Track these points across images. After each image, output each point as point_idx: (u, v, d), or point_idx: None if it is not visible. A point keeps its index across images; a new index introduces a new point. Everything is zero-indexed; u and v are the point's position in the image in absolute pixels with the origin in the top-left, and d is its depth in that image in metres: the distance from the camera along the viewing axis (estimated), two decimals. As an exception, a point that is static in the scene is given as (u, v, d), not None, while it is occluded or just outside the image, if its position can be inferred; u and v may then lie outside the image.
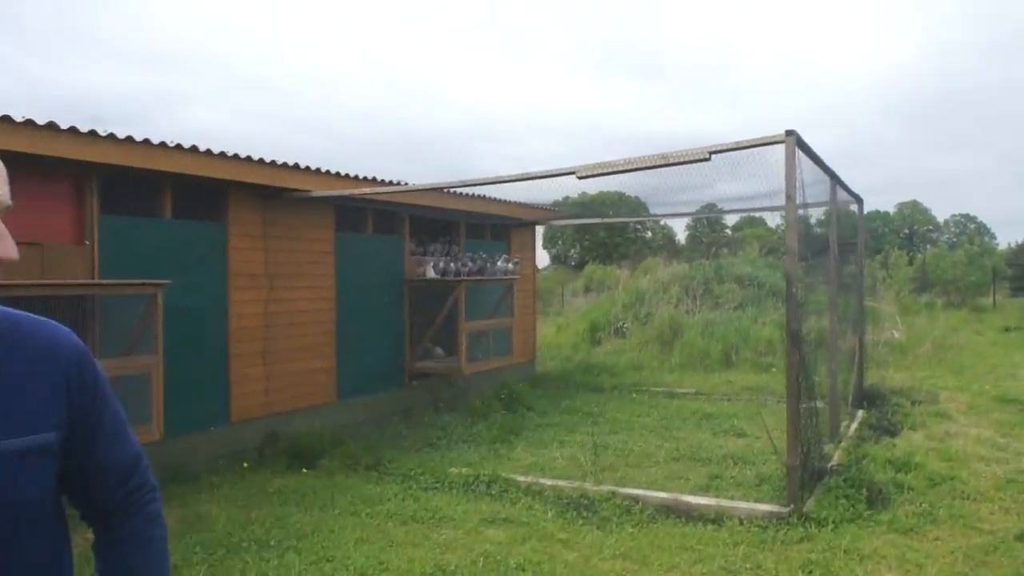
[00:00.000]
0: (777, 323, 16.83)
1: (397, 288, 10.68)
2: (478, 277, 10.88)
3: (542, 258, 63.99)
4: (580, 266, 53.26)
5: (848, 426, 9.36)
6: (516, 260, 11.73)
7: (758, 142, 5.89)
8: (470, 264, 10.70)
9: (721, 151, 6.07)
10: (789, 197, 5.81)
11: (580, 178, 6.70)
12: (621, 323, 18.07)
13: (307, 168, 8.72)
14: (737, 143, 5.98)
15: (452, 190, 10.88)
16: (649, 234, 66.08)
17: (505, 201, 12.43)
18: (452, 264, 10.54)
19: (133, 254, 7.26)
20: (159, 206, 7.66)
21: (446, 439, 9.21)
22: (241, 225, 8.40)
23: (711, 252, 28.25)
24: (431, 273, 10.65)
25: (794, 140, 5.80)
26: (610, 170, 6.51)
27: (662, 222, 62.54)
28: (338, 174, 8.97)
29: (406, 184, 8.54)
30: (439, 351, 11.33)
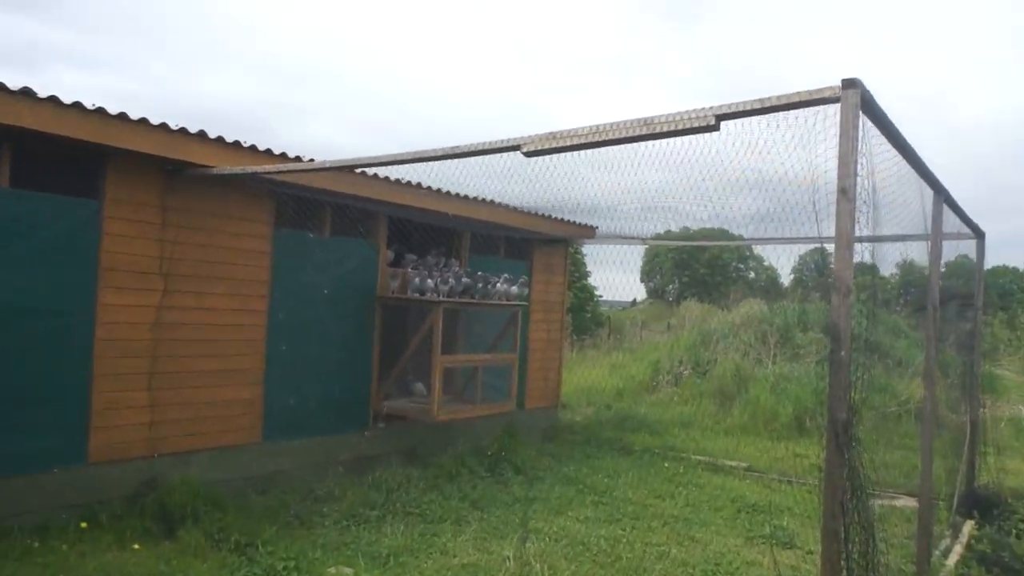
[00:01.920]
0: (870, 385, 13.82)
1: (365, 305, 8.53)
2: (462, 300, 8.61)
3: (638, 291, 61.37)
4: (678, 302, 50.54)
5: (948, 548, 6.57)
6: (523, 281, 9.40)
7: (793, 100, 3.42)
8: (452, 282, 8.45)
9: (734, 115, 3.64)
10: (843, 191, 3.32)
11: (527, 154, 4.38)
12: (680, 368, 15.38)
13: (219, 139, 6.72)
14: (761, 101, 3.54)
15: (453, 192, 8.72)
16: (752, 274, 62.93)
17: (522, 211, 10.15)
18: (429, 280, 8.33)
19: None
20: (-8, 170, 5.79)
21: (383, 508, 6.94)
22: (124, 206, 6.44)
23: (809, 297, 25.05)
24: (409, 291, 8.47)
25: (856, 98, 3.31)
26: (569, 142, 4.17)
27: (766, 263, 59.23)
28: (255, 148, 6.92)
29: (312, 160, 6.33)
30: (420, 387, 9.10)
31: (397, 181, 8.30)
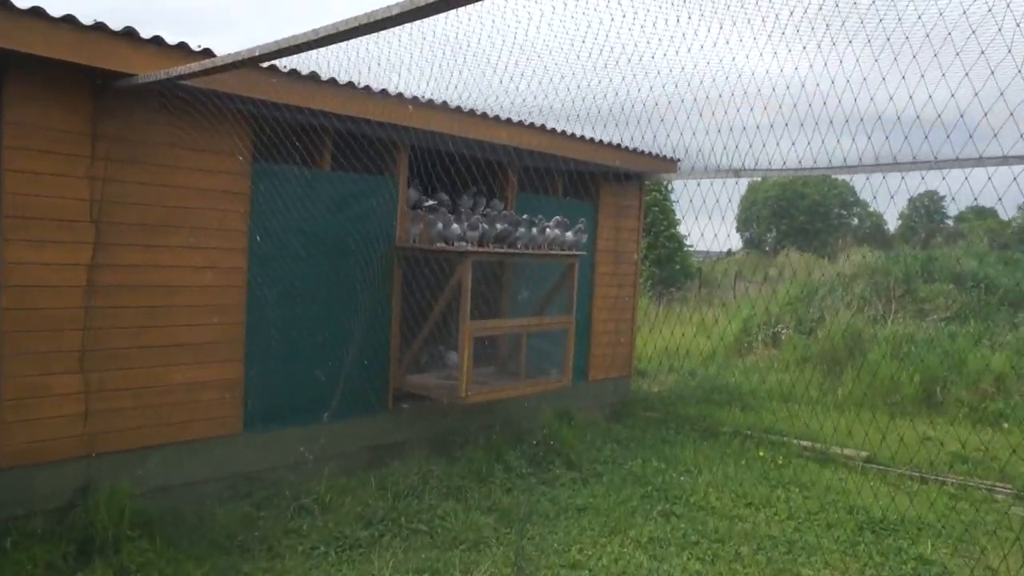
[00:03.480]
0: (1015, 347, 11.40)
1: (380, 257, 6.84)
2: (495, 249, 6.76)
3: (733, 241, 58.63)
4: (776, 252, 47.58)
5: None
6: (580, 227, 7.48)
7: None
8: (483, 227, 6.63)
9: None
10: None
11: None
12: (778, 327, 13.21)
13: (156, 39, 5.05)
14: None
15: (485, 113, 6.87)
16: (856, 220, 59.25)
17: (582, 138, 8.20)
18: (455, 225, 6.55)
19: None
20: None
21: (382, 524, 5.32)
22: (34, 133, 4.88)
23: (926, 245, 22.24)
24: (434, 236, 6.71)
25: None
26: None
27: (871, 208, 55.71)
28: (209, 52, 5.19)
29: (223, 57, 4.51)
30: (454, 358, 7.40)
31: (417, 100, 6.51)
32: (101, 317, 5.21)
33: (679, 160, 9.63)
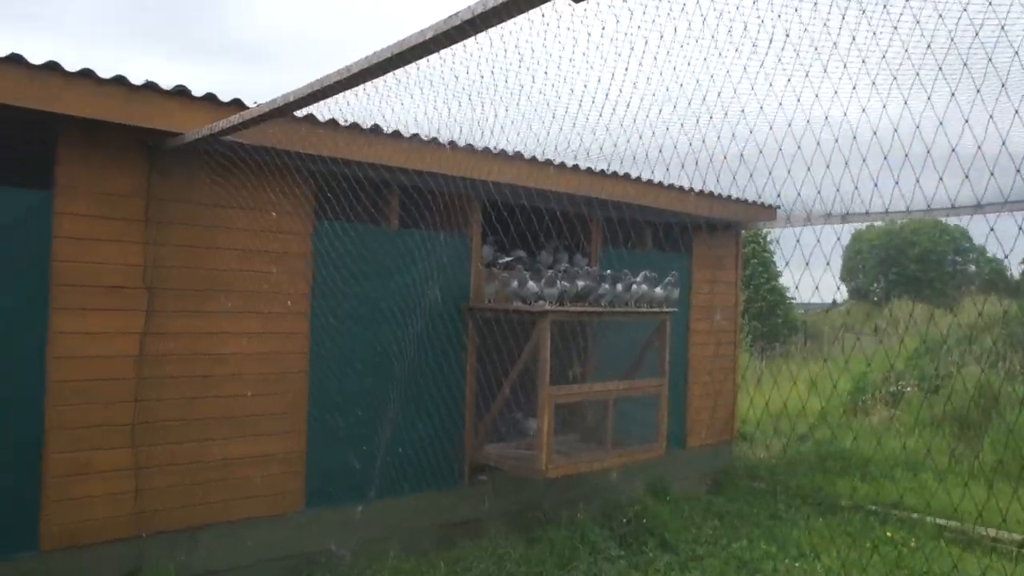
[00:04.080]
0: None
1: (452, 319, 6.39)
2: (576, 307, 6.17)
3: (839, 292, 56.46)
4: (886, 302, 45.10)
5: None
6: (670, 280, 6.82)
7: None
8: (563, 285, 6.07)
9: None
10: None
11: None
12: (899, 385, 12.00)
13: (209, 96, 4.81)
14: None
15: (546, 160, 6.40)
16: (973, 267, 55.96)
17: (671, 186, 7.61)
18: (532, 283, 6.02)
19: None
20: None
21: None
22: (86, 197, 4.69)
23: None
24: (509, 296, 6.21)
25: None
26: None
27: (989, 253, 52.73)
28: (239, 102, 4.91)
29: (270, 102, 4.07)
30: (534, 426, 6.82)
31: (489, 151, 6.11)
32: (151, 389, 4.91)
33: (778, 207, 8.90)
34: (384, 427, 5.96)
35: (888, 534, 6.85)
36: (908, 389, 11.65)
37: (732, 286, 9.04)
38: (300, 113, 4.23)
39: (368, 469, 5.86)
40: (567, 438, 7.03)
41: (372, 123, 5.41)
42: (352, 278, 5.76)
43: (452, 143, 5.94)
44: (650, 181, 7.44)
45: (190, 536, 5.07)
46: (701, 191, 7.89)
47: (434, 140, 5.81)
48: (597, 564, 5.72)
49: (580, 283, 6.24)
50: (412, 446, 6.15)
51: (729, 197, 8.24)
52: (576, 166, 6.77)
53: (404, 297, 6.11)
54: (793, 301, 26.42)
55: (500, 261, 6.77)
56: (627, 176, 7.19)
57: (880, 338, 23.07)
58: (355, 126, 5.38)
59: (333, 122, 5.22)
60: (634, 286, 6.59)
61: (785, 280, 25.50)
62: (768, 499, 7.95)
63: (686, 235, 8.51)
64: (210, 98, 4.82)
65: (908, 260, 52.18)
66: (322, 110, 5.05)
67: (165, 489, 4.98)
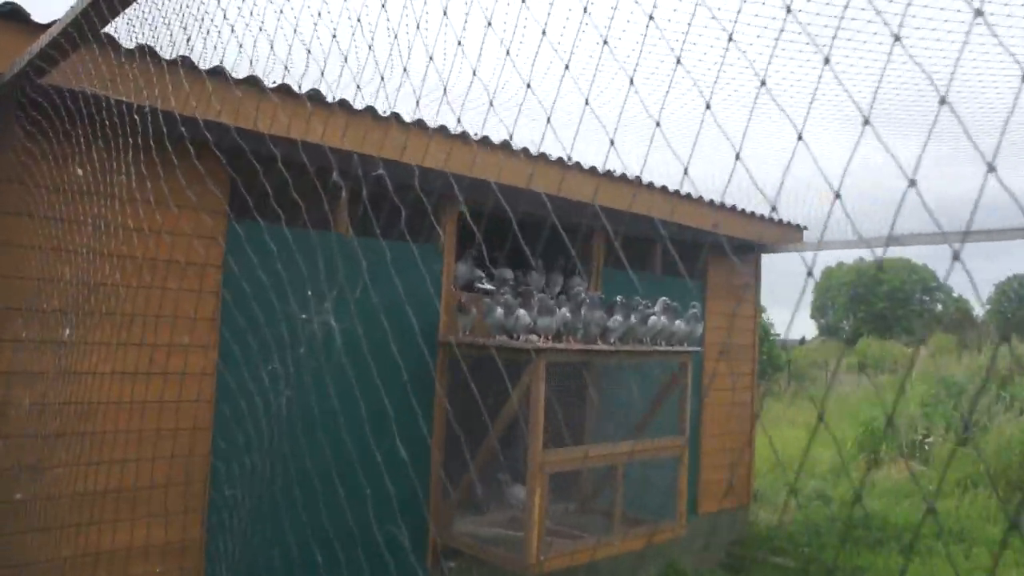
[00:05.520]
0: None
1: (416, 357, 4.86)
2: (580, 345, 4.68)
3: (808, 328, 56.19)
4: (853, 341, 44.60)
5: None
6: (694, 312, 5.37)
7: None
8: (564, 315, 4.58)
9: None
10: None
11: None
12: (921, 435, 10.64)
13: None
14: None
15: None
16: (940, 307, 56.24)
17: (687, 196, 6.20)
18: (522, 311, 4.54)
19: None
20: None
21: None
22: None
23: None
24: (487, 329, 4.72)
25: None
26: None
27: (955, 293, 53.43)
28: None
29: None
30: (518, 493, 5.30)
31: (466, 135, 4.66)
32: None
33: (805, 228, 7.56)
34: (318, 503, 4.37)
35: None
36: (932, 440, 10.30)
37: (751, 320, 7.63)
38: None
39: (294, 561, 4.26)
40: (561, 506, 5.50)
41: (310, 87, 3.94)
42: (281, 299, 4.21)
43: (420, 121, 4.48)
44: (664, 188, 6.04)
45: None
46: (721, 204, 6.52)
47: (394, 116, 4.34)
48: None
49: (586, 312, 4.74)
50: (360, 525, 4.56)
51: (753, 214, 6.88)
52: (579, 164, 5.34)
53: (350, 326, 4.56)
54: (777, 337, 25.27)
55: (480, 282, 5.27)
56: (638, 180, 5.78)
57: (871, 376, 21.96)
58: (286, 90, 3.89)
59: (255, 83, 3.73)
60: (652, 318, 5.11)
61: (768, 315, 24.36)
62: (799, 580, 6.48)
63: (699, 258, 7.10)
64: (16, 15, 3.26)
65: (876, 298, 52.20)
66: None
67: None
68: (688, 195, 6.20)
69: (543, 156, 5.07)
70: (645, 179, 5.88)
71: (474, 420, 4.95)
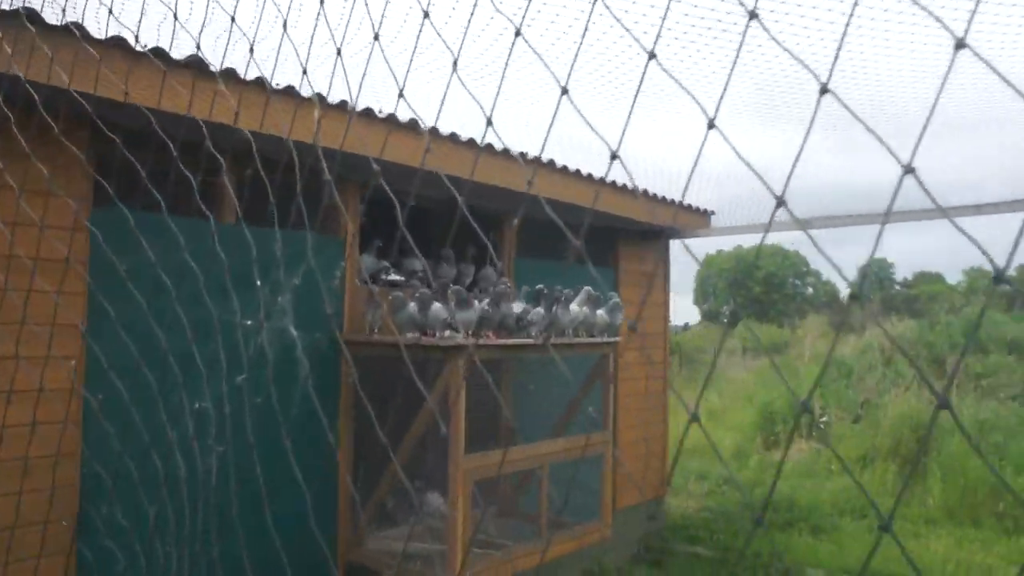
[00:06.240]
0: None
1: (318, 356, 4.37)
2: (504, 340, 4.34)
3: (691, 314, 57.99)
4: (733, 325, 46.21)
5: None
6: (615, 302, 5.10)
7: None
8: (483, 307, 4.22)
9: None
10: None
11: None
12: (819, 416, 10.89)
13: None
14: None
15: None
16: (810, 290, 59.25)
17: (589, 177, 5.93)
18: (437, 304, 4.13)
19: None
20: None
21: None
22: None
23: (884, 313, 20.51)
24: (397, 326, 4.28)
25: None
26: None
27: (824, 277, 56.23)
28: None
29: None
30: (437, 501, 4.89)
31: (370, 112, 4.20)
32: None
33: (712, 213, 7.47)
34: (206, 529, 3.83)
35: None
36: (830, 421, 10.55)
37: (662, 308, 7.48)
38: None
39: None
40: (480, 514, 5.13)
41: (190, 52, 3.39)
42: (157, 299, 3.64)
43: (320, 96, 3.98)
44: (578, 172, 5.75)
45: None
46: (635, 188, 6.30)
47: (289, 88, 3.83)
48: None
49: (508, 306, 4.37)
50: (254, 548, 4.05)
51: (663, 198, 6.71)
52: (490, 145, 4.96)
53: (237, 328, 4.02)
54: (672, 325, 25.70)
55: (387, 275, 4.82)
56: (551, 163, 5.46)
57: (761, 360, 22.60)
58: (160, 52, 3.33)
59: (120, 43, 3.16)
60: (573, 307, 4.80)
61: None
62: (718, 570, 6.36)
63: (608, 244, 6.87)
64: None
65: (753, 283, 54.51)
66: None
67: None
68: (601, 179, 5.94)
69: (448, 136, 4.67)
70: (558, 162, 5.56)
71: (386, 425, 4.50)
